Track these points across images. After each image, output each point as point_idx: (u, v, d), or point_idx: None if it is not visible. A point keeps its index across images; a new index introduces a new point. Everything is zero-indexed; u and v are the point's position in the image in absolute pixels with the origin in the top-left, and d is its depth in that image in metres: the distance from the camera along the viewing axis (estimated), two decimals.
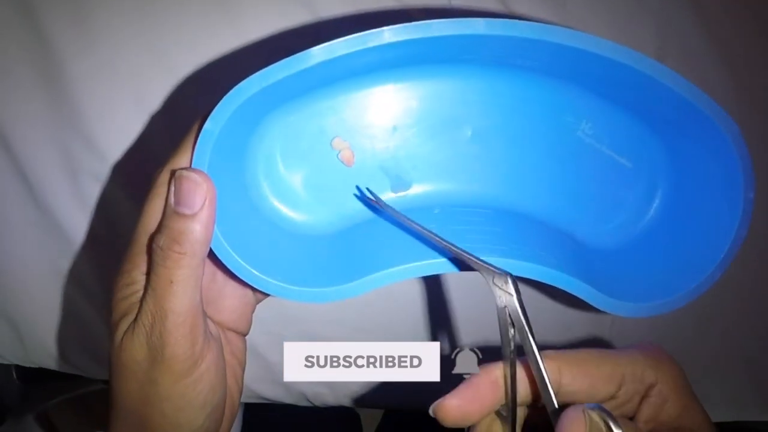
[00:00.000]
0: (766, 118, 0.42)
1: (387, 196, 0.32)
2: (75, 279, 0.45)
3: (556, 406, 0.23)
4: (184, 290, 0.25)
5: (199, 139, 0.26)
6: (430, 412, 0.24)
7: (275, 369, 0.46)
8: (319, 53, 0.25)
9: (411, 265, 0.28)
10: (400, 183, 0.32)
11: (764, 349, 0.46)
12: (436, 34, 0.25)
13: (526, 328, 0.24)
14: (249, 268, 0.27)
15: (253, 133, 0.30)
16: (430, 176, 0.32)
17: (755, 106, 0.42)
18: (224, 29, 0.41)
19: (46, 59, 0.40)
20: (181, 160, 0.27)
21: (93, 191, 0.43)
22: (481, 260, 0.26)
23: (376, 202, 0.30)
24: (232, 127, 0.26)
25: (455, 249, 0.27)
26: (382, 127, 0.32)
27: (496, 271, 0.25)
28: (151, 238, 0.26)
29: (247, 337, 0.32)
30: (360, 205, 0.32)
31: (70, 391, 0.62)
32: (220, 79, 0.41)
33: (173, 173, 0.26)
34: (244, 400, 0.48)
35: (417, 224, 0.28)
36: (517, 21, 0.25)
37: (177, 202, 0.25)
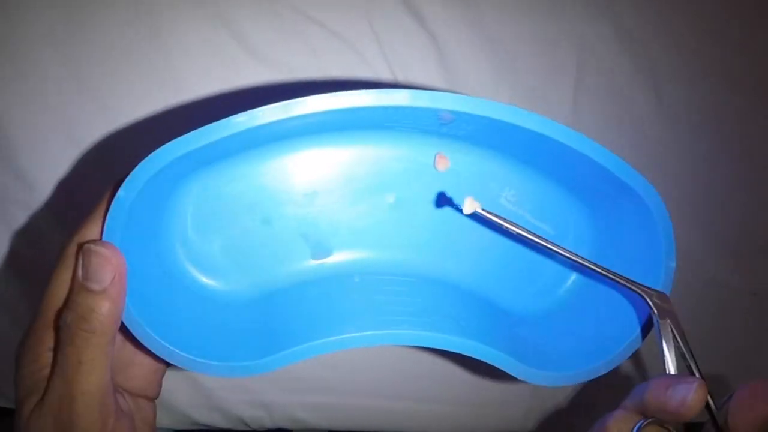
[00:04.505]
0: (687, 132, 0.44)
1: (306, 264, 0.31)
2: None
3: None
4: (94, 370, 0.24)
5: (110, 208, 0.24)
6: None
7: (210, 394, 0.46)
8: (242, 121, 0.24)
9: (338, 337, 0.27)
10: (320, 250, 0.31)
11: None
12: (361, 104, 0.24)
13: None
14: (163, 342, 0.26)
15: (167, 197, 0.29)
16: (351, 243, 0.31)
17: (678, 121, 0.43)
18: (159, 68, 0.40)
19: None
20: (90, 231, 0.25)
21: (21, 221, 0.42)
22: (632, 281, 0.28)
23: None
24: (146, 193, 0.25)
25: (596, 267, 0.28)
26: (303, 192, 0.31)
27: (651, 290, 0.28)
28: (58, 314, 0.25)
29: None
30: (280, 272, 0.31)
31: None
32: (148, 118, 0.41)
33: (81, 246, 0.25)
34: (178, 426, 0.47)
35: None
36: (440, 93, 0.25)
37: (85, 277, 0.24)
